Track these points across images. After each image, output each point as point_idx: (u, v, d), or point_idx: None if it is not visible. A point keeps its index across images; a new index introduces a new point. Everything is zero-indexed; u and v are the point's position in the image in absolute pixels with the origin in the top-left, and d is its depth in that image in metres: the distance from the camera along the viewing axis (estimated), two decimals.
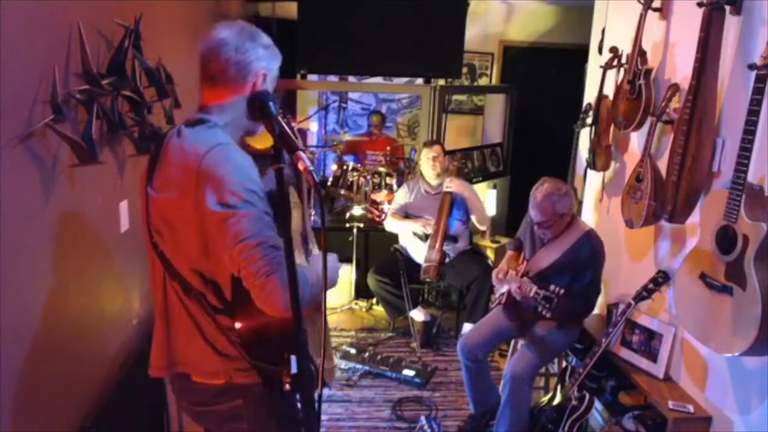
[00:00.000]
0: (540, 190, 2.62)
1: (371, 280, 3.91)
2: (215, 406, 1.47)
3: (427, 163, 3.87)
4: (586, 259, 2.61)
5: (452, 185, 3.80)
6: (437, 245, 3.76)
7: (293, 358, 1.25)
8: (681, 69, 2.48)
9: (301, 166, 1.22)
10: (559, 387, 2.59)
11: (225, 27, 1.41)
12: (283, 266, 1.23)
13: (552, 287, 2.56)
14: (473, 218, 3.86)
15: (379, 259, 4.10)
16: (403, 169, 4.96)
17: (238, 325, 1.36)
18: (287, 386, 1.32)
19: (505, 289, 2.79)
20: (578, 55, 4.22)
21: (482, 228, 4.02)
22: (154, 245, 1.42)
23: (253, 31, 1.42)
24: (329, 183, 4.59)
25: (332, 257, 1.49)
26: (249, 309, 1.32)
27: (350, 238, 4.33)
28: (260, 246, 1.24)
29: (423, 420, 2.86)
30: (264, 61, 1.42)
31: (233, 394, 1.44)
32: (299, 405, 1.27)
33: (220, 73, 1.38)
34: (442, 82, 4.91)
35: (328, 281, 1.30)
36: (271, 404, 1.46)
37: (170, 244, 1.39)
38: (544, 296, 2.55)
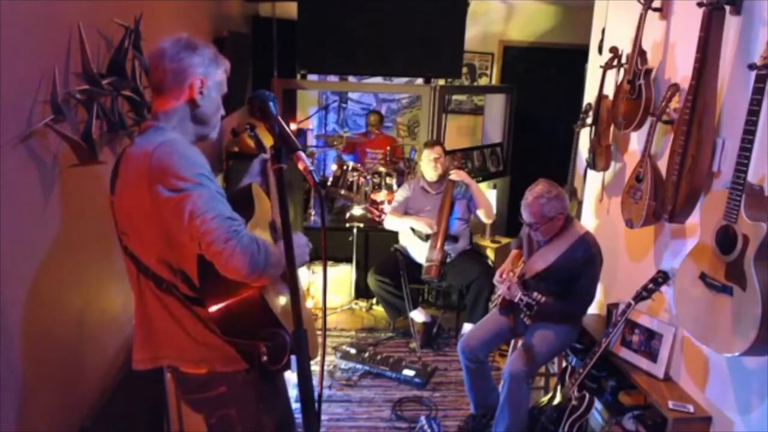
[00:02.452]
0: (531, 191, 2.63)
1: (371, 280, 3.91)
2: (203, 394, 1.55)
3: (429, 164, 3.86)
4: (582, 262, 2.61)
5: (458, 176, 3.80)
6: (438, 245, 3.76)
7: (293, 357, 1.26)
8: (681, 69, 2.48)
9: (300, 166, 1.24)
10: (559, 387, 2.59)
11: (166, 39, 1.50)
12: (240, 234, 1.31)
13: (535, 294, 2.60)
14: (480, 212, 3.85)
15: (379, 259, 4.10)
16: (403, 169, 4.96)
17: (211, 309, 1.42)
18: (264, 358, 1.41)
19: (502, 290, 2.80)
20: (578, 55, 4.22)
21: (488, 221, 4.01)
22: (124, 248, 1.49)
23: (190, 41, 1.50)
24: (329, 183, 4.59)
25: (299, 235, 1.55)
26: (217, 290, 1.39)
27: (350, 238, 4.33)
28: (216, 218, 1.30)
29: (423, 420, 2.86)
30: (200, 68, 1.49)
31: (217, 382, 1.52)
32: (297, 377, 1.29)
33: (161, 82, 1.48)
34: (442, 82, 4.91)
35: (297, 259, 1.34)
36: (256, 390, 1.54)
37: (136, 243, 1.46)
38: (526, 303, 2.61)
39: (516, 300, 2.65)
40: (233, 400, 1.54)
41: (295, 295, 1.24)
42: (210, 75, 1.51)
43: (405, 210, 3.98)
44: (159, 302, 1.48)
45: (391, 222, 3.97)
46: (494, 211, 4.05)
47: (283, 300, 1.55)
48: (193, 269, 1.41)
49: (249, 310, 1.43)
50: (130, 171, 1.41)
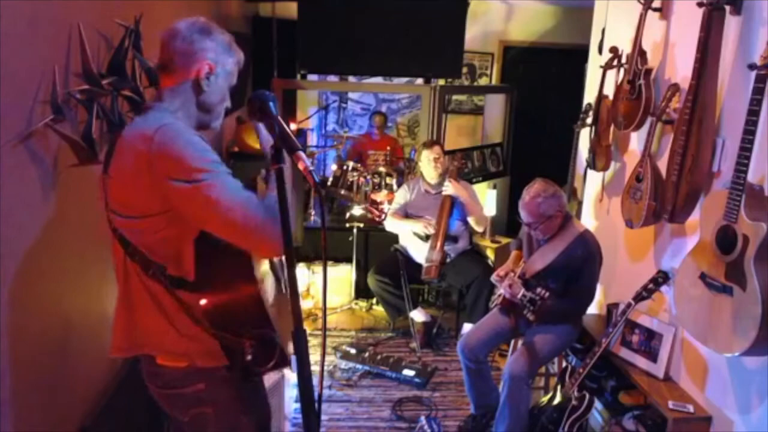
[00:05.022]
0: (528, 191, 2.63)
1: (371, 280, 3.91)
2: (179, 390, 1.48)
3: (429, 164, 3.86)
4: (581, 260, 2.61)
5: (450, 188, 3.79)
6: (438, 245, 3.75)
7: (293, 357, 1.25)
8: (681, 69, 2.48)
9: (300, 166, 1.22)
10: (559, 387, 2.59)
11: (182, 20, 1.46)
12: (265, 206, 1.29)
13: (538, 290, 2.60)
14: (470, 220, 3.85)
15: (379, 259, 4.10)
16: (403, 169, 4.96)
17: (203, 301, 1.37)
18: (248, 357, 1.35)
19: (503, 289, 2.80)
20: (578, 55, 4.22)
21: (479, 230, 4.01)
22: (113, 229, 1.43)
23: (206, 25, 1.47)
24: (329, 183, 4.59)
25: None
26: (213, 280, 1.33)
27: (350, 238, 4.33)
28: (240, 204, 1.28)
29: (423, 420, 2.86)
30: (211, 53, 1.45)
31: (196, 377, 1.45)
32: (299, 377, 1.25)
33: (169, 62, 1.44)
34: (442, 82, 4.91)
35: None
36: (236, 389, 1.47)
37: (127, 224, 1.40)
38: (529, 299, 2.61)
39: (519, 297, 2.65)
40: (210, 398, 1.47)
41: (295, 294, 1.23)
42: (220, 62, 1.47)
43: (405, 211, 3.98)
44: (144, 288, 1.42)
45: (391, 225, 3.97)
46: (487, 221, 4.06)
47: (277, 303, 1.51)
48: (190, 254, 1.36)
49: (242, 305, 1.38)
50: (127, 152, 1.35)
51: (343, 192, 4.52)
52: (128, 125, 1.41)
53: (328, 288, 4.33)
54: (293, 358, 1.25)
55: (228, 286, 1.36)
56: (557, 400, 2.56)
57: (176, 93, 1.45)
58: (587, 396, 2.48)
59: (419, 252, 3.87)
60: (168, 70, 1.45)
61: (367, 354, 3.62)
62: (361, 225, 4.36)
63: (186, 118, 1.45)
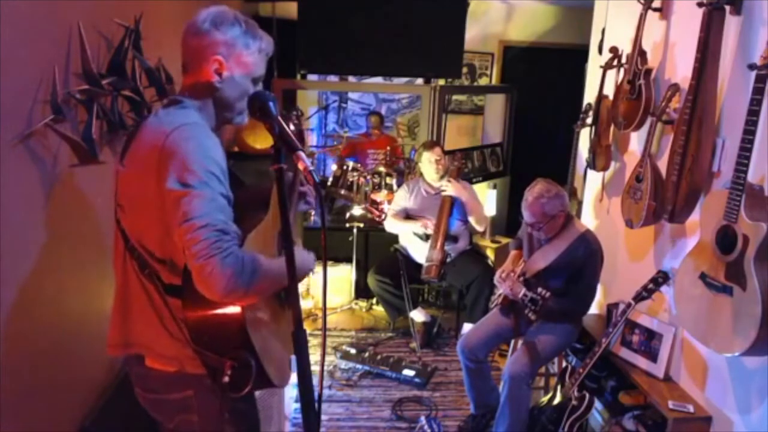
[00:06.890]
0: (531, 191, 2.63)
1: (371, 280, 3.91)
2: (166, 395, 1.44)
3: (431, 166, 3.86)
4: (582, 260, 2.61)
5: (450, 188, 3.79)
6: (438, 245, 3.75)
7: (293, 357, 1.25)
8: (681, 69, 2.48)
9: (301, 166, 1.22)
10: (559, 387, 2.59)
11: (204, 9, 1.40)
12: (226, 252, 1.20)
13: (540, 290, 2.60)
14: (471, 219, 3.85)
15: (379, 259, 4.10)
16: (403, 169, 4.96)
17: (188, 313, 1.33)
18: (226, 378, 1.30)
19: (503, 289, 2.80)
20: (578, 55, 4.22)
21: (480, 229, 4.01)
22: (117, 221, 1.41)
23: (219, 16, 1.38)
24: (329, 183, 4.59)
25: (308, 254, 1.47)
26: (201, 298, 1.28)
27: (350, 238, 4.33)
28: (205, 228, 1.21)
29: (423, 420, 2.86)
30: (221, 47, 1.37)
31: (184, 383, 1.41)
32: (304, 397, 1.24)
33: (185, 61, 1.41)
34: (442, 82, 4.91)
35: (300, 269, 1.26)
36: (224, 398, 1.41)
37: (130, 219, 1.38)
38: (531, 299, 2.61)
39: (520, 297, 2.65)
40: (198, 405, 1.42)
41: (295, 296, 1.23)
42: (231, 56, 1.39)
43: (405, 212, 3.98)
44: (141, 286, 1.39)
45: (391, 225, 3.97)
46: (487, 221, 4.06)
47: (266, 328, 1.45)
48: (183, 262, 1.31)
49: (224, 326, 1.33)
50: (143, 144, 1.33)
51: (343, 192, 4.52)
52: (152, 117, 1.38)
53: (328, 288, 4.33)
54: (293, 358, 1.25)
55: (212, 304, 1.29)
56: (557, 400, 2.56)
57: (194, 92, 1.41)
58: (587, 396, 2.47)
59: (419, 252, 3.87)
60: (185, 69, 1.42)
61: (367, 354, 3.62)
62: (361, 225, 4.36)
63: (207, 117, 1.42)
